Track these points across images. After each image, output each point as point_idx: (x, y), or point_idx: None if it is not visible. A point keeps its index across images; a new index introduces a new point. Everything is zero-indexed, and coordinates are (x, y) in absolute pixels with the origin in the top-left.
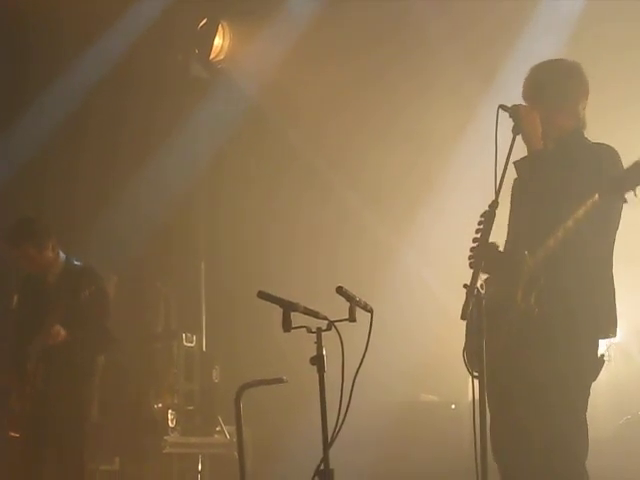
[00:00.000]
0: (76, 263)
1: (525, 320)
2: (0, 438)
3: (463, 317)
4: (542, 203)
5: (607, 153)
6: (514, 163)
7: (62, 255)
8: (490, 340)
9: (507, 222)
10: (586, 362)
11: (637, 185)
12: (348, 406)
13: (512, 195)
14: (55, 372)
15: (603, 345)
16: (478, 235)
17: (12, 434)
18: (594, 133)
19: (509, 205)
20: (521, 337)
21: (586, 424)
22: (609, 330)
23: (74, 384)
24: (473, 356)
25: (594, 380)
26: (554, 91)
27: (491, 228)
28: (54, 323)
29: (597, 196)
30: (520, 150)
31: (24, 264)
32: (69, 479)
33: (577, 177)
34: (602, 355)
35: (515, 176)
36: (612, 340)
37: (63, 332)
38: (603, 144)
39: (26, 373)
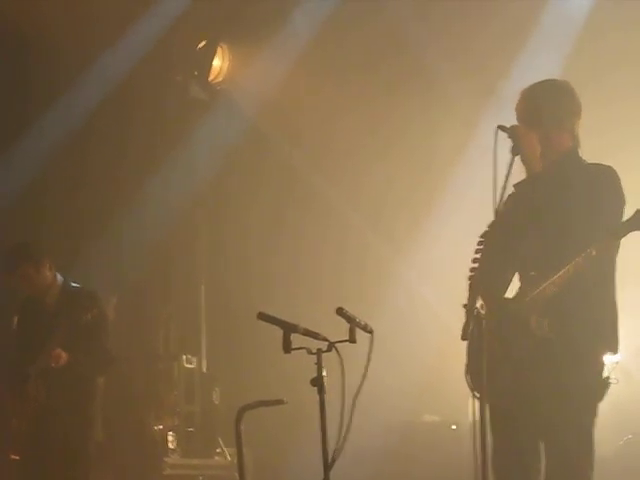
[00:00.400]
0: (74, 285)
1: (540, 346)
2: (1, 460)
3: (464, 337)
4: (549, 228)
5: (607, 177)
6: (514, 186)
7: (59, 277)
8: (500, 366)
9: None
10: (593, 382)
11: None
12: (349, 427)
13: (501, 213)
14: (56, 393)
15: (607, 368)
16: (478, 255)
17: (13, 457)
18: (595, 149)
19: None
20: (530, 362)
21: (593, 445)
22: (611, 346)
23: (76, 405)
24: (477, 378)
25: (600, 401)
26: (551, 112)
27: (491, 248)
28: (55, 346)
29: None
30: (519, 170)
31: (23, 286)
32: None
33: (580, 202)
34: (607, 377)
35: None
36: (613, 360)
37: (65, 355)
38: (601, 165)
39: (27, 394)
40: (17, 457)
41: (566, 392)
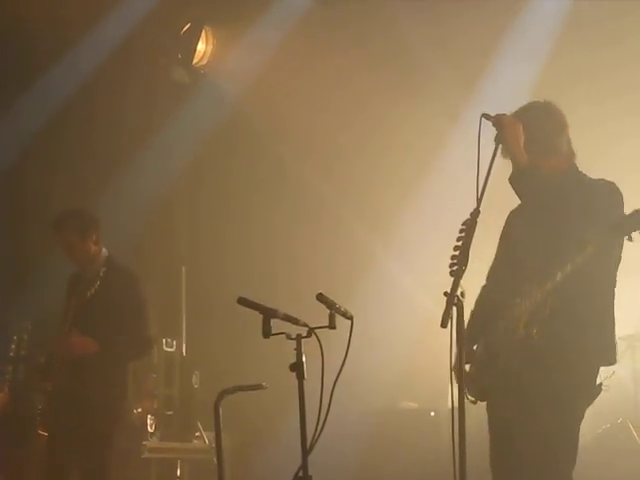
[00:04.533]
0: (118, 263)
1: (525, 348)
2: (30, 436)
3: (443, 325)
4: (544, 236)
5: (604, 192)
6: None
7: (105, 252)
8: (492, 370)
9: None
10: (586, 389)
11: (633, 232)
12: (327, 413)
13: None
14: (79, 377)
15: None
16: (459, 243)
17: (41, 432)
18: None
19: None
20: (523, 363)
21: (577, 444)
22: (610, 358)
23: (102, 391)
24: (472, 383)
25: (588, 405)
26: (538, 138)
27: (472, 236)
28: (71, 330)
29: (597, 243)
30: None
31: (67, 253)
32: None
33: (576, 217)
34: (600, 384)
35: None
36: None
37: (80, 345)
38: (601, 181)
39: (48, 374)
40: (45, 433)
41: (556, 395)
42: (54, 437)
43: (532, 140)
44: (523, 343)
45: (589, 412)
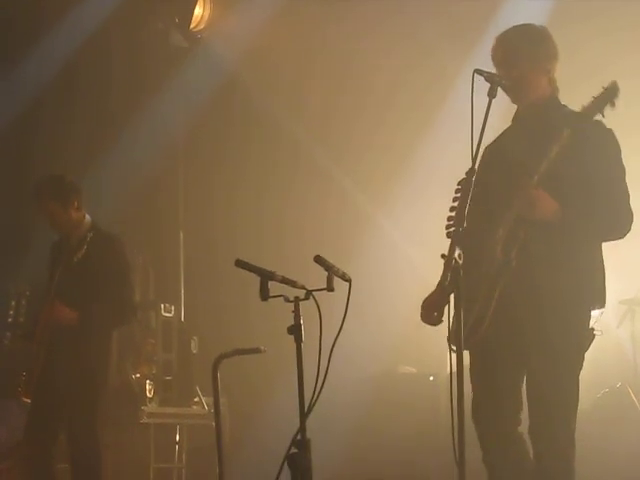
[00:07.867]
0: (102, 229)
1: (504, 273)
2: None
3: (442, 287)
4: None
5: (597, 130)
6: (499, 137)
7: (88, 218)
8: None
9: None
10: (578, 332)
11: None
12: (325, 376)
13: (483, 164)
14: (62, 343)
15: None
16: (455, 204)
17: (25, 400)
18: None
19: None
20: (508, 298)
21: (577, 397)
22: (600, 301)
23: (80, 356)
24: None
25: (585, 351)
26: (527, 53)
27: (469, 196)
28: (56, 298)
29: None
30: (496, 115)
31: (50, 221)
32: (80, 454)
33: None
34: (592, 328)
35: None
36: (595, 313)
37: (67, 314)
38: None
39: (34, 340)
40: (29, 400)
41: (551, 343)
42: (39, 403)
43: (521, 55)
44: (502, 269)
45: (588, 377)
